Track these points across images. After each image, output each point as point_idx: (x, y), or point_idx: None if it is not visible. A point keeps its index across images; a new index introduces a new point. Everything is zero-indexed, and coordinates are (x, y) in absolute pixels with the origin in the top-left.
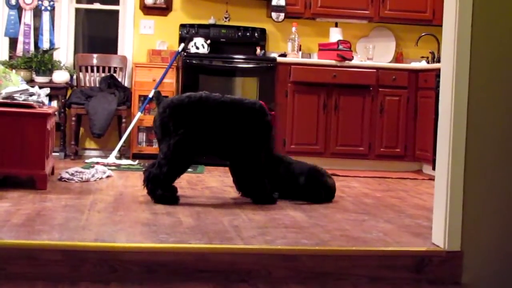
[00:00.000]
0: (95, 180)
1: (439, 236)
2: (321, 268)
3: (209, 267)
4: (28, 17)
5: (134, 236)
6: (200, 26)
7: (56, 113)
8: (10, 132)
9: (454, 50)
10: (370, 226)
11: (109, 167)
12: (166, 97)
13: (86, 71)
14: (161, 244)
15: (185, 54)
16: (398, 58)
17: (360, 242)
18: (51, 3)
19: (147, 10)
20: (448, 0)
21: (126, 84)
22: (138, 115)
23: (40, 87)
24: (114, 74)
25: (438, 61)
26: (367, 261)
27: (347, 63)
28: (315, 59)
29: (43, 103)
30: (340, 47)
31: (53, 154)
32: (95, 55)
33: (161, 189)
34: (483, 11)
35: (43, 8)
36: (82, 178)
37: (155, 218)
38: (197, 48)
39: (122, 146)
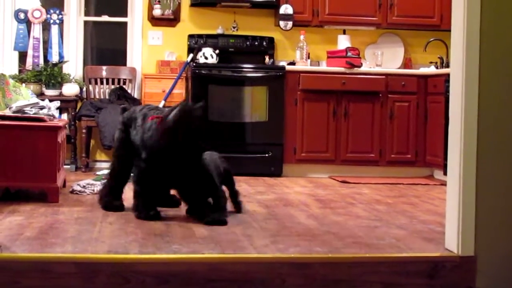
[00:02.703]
0: None
1: (452, 241)
2: (334, 275)
3: (223, 277)
4: (37, 31)
5: (147, 247)
6: (209, 36)
7: (66, 125)
8: (21, 146)
9: (463, 55)
10: (383, 233)
11: None
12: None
13: (96, 83)
14: (174, 255)
15: (194, 64)
16: (406, 63)
17: (373, 249)
18: (60, 16)
19: (155, 21)
20: (456, 5)
21: (135, 96)
22: None
23: (50, 100)
24: (124, 86)
25: (447, 66)
26: (381, 268)
27: (356, 70)
28: (324, 67)
29: (53, 116)
30: (349, 54)
31: (64, 166)
32: (104, 67)
33: (107, 197)
34: (491, 15)
35: (51, 21)
36: (93, 190)
37: (167, 229)
38: (206, 58)
39: None
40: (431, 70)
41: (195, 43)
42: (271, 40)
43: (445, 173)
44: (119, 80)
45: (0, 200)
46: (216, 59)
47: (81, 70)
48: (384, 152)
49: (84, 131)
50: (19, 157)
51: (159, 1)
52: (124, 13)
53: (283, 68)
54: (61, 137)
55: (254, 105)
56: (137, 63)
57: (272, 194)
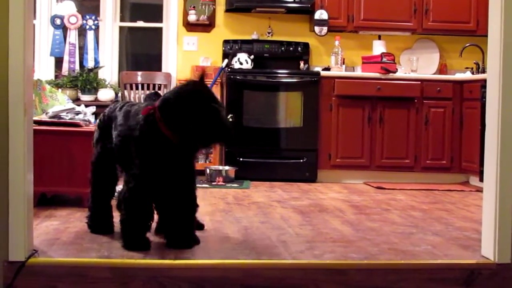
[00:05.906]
0: None
1: (489, 248)
2: (370, 282)
3: (258, 283)
4: (73, 37)
5: (182, 253)
6: (243, 41)
7: None
8: (57, 151)
9: (500, 60)
10: (418, 239)
11: None
12: None
13: (131, 88)
14: (210, 260)
15: (229, 70)
16: (442, 69)
17: (408, 256)
18: (95, 22)
19: (190, 26)
20: (493, 10)
21: None
22: None
23: (86, 106)
24: (159, 91)
25: (483, 71)
26: (416, 275)
27: (391, 75)
28: (359, 72)
29: (89, 121)
30: (384, 59)
31: None
32: (139, 73)
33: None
34: None
35: (87, 27)
36: None
37: (202, 234)
38: (241, 63)
39: None
40: (467, 75)
41: (230, 48)
42: (306, 45)
43: (481, 180)
44: (154, 85)
45: (37, 205)
46: (251, 65)
47: (116, 76)
48: (419, 158)
49: None
50: (55, 162)
51: (194, 7)
52: (159, 19)
53: (318, 73)
54: None
55: (289, 111)
56: (172, 68)
57: (306, 200)
